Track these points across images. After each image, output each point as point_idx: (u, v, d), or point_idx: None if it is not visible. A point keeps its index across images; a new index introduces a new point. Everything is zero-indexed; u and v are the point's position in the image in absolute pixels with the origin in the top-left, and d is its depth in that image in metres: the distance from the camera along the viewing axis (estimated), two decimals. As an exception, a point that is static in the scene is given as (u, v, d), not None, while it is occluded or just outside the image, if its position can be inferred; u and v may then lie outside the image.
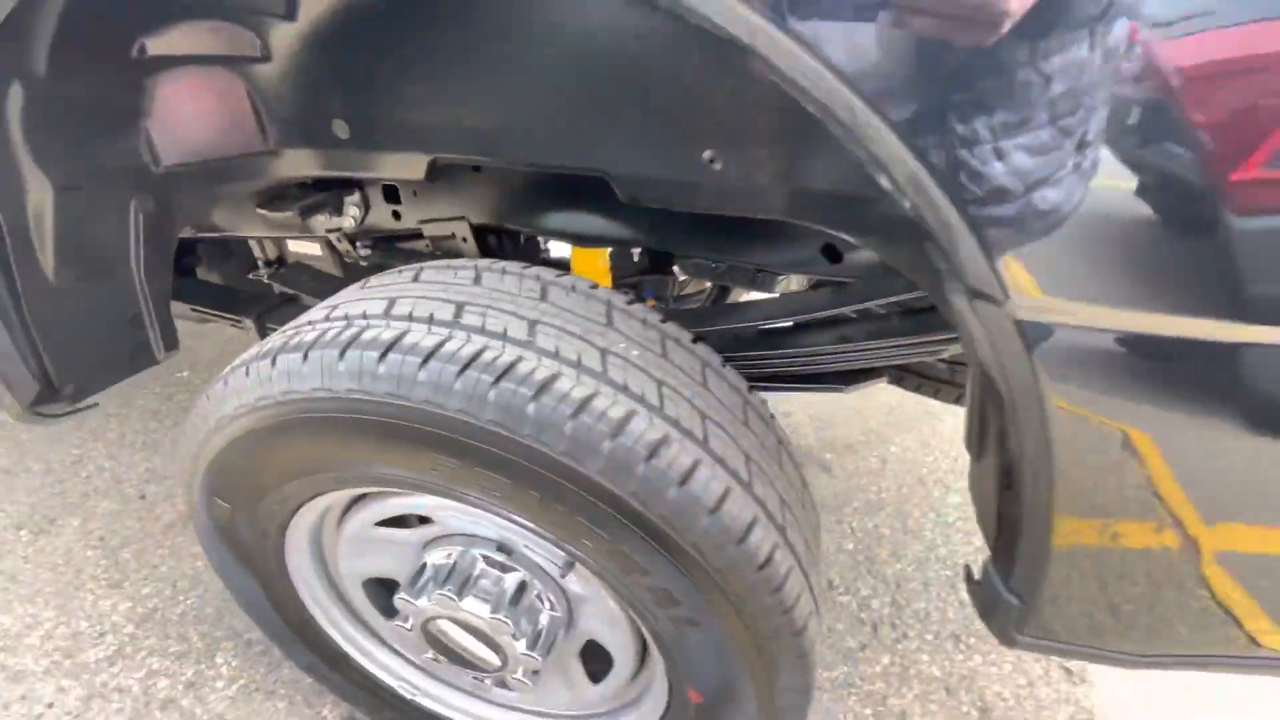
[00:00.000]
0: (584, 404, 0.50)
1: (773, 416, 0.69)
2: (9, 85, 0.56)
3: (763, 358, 0.87)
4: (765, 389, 0.89)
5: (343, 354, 0.52)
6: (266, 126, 0.73)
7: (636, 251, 1.03)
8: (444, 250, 0.99)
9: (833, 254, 0.84)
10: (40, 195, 0.64)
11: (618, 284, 1.05)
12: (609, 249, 1.01)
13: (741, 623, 0.55)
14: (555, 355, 0.52)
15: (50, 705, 1.01)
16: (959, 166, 0.36)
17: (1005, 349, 0.40)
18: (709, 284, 1.28)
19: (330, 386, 0.52)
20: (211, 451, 0.61)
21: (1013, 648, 0.54)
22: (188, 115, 0.69)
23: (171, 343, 0.83)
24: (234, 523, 0.68)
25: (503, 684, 0.84)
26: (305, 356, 0.53)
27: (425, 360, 0.51)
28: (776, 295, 0.93)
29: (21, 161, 0.61)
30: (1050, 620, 0.50)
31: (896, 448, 1.62)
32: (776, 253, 0.88)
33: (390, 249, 1.08)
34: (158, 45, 0.63)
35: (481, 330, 0.53)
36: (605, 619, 0.69)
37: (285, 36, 0.66)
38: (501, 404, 0.50)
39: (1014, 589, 0.50)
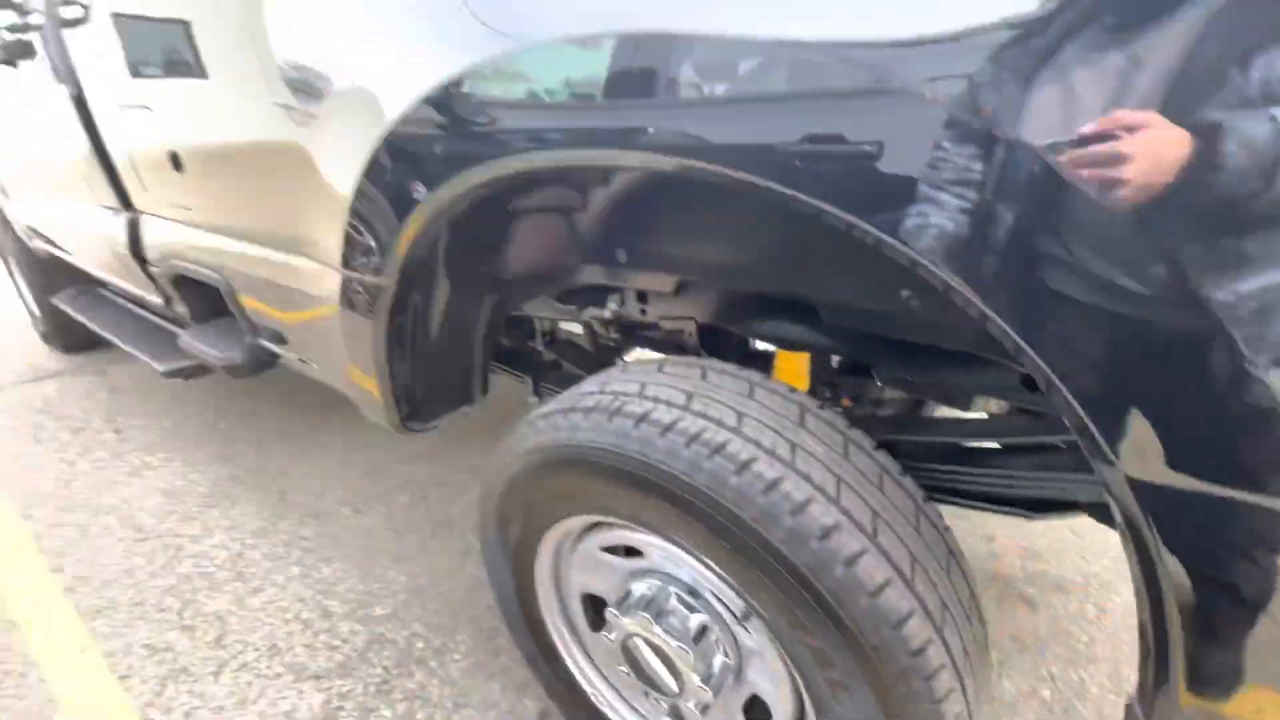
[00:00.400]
0: (773, 484, 0.65)
1: (947, 529, 0.76)
2: (443, 230, 0.93)
3: (952, 472, 0.93)
4: (948, 502, 0.94)
5: (610, 419, 0.75)
6: (576, 252, 1.04)
7: (836, 358, 1.16)
8: (674, 342, 1.22)
9: (1032, 384, 0.88)
10: (442, 289, 1.01)
11: (818, 384, 1.19)
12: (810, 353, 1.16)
13: (889, 700, 0.63)
14: (756, 442, 0.69)
15: (345, 641, 1.39)
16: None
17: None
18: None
19: (598, 441, 0.75)
20: (509, 473, 0.88)
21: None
22: (530, 244, 1.03)
23: (485, 389, 1.17)
24: (509, 527, 0.95)
25: (676, 714, 0.98)
26: (586, 416, 0.77)
27: (663, 432, 0.71)
28: (971, 415, 0.99)
29: (437, 273, 0.98)
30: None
31: (1121, 599, 1.44)
32: (973, 376, 0.94)
33: (633, 335, 1.35)
34: (520, 203, 0.97)
35: (703, 415, 0.72)
36: (770, 676, 0.81)
37: (599, 196, 0.97)
38: (712, 472, 0.67)
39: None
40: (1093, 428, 0.46)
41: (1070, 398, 0.47)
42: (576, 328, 1.47)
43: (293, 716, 1.22)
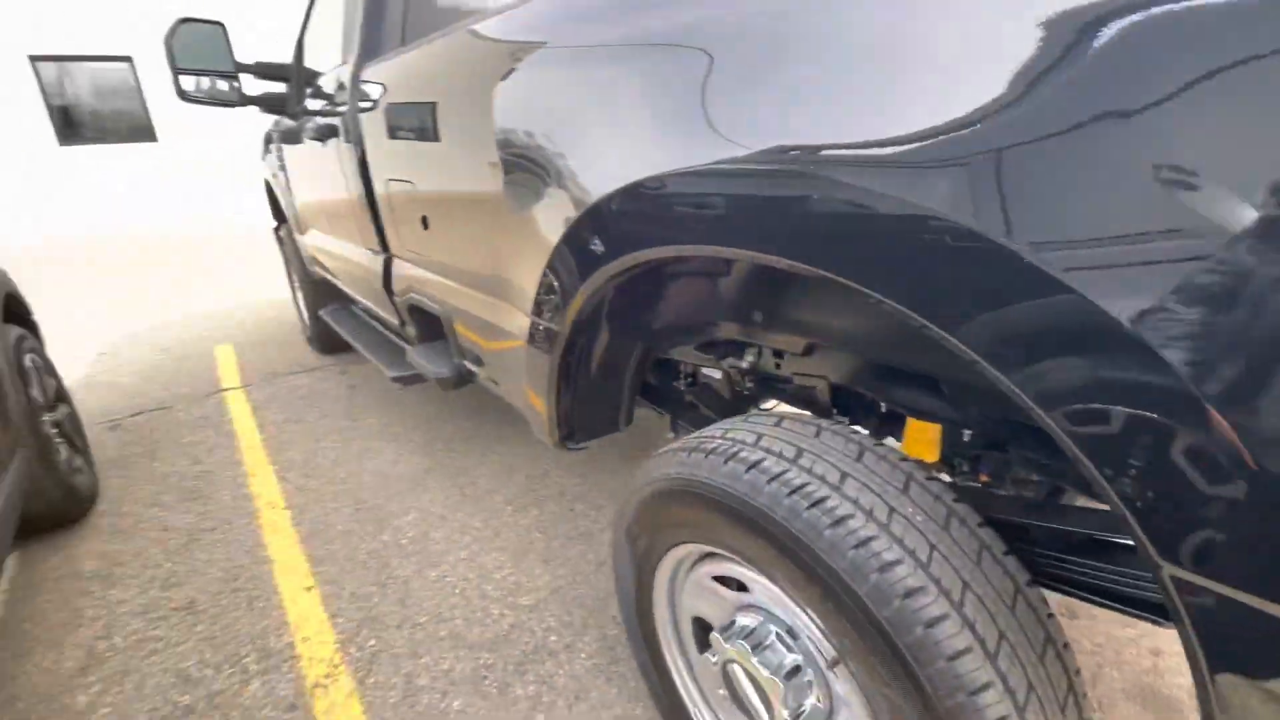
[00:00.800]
0: (865, 541, 0.72)
1: (1051, 615, 0.76)
2: (610, 289, 1.12)
3: (1077, 564, 0.90)
4: (1070, 593, 0.91)
5: (726, 462, 0.87)
6: (717, 310, 1.19)
7: (968, 432, 1.15)
8: (805, 398, 1.30)
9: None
10: (603, 336, 1.21)
11: (955, 456, 1.19)
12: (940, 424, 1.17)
13: (961, 767, 0.66)
14: (854, 501, 0.76)
15: (495, 621, 1.63)
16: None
17: None
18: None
19: (713, 480, 0.88)
20: (640, 496, 1.03)
21: None
22: (677, 302, 1.20)
23: (629, 420, 1.35)
24: (637, 543, 1.10)
25: (765, 748, 1.05)
26: (706, 456, 0.90)
27: (769, 481, 0.82)
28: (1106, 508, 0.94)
29: (600, 323, 1.18)
30: None
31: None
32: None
33: (767, 386, 1.46)
34: (673, 269, 1.14)
35: (809, 471, 0.81)
36: (856, 726, 0.85)
37: (742, 266, 1.10)
38: (810, 523, 0.76)
39: None
40: (1135, 525, 0.49)
41: (1114, 496, 0.50)
42: (717, 374, 1.60)
43: (449, 674, 1.47)
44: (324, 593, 1.76)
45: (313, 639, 1.60)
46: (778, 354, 1.32)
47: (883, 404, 1.31)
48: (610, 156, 0.96)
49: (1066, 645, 0.76)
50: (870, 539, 0.73)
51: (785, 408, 1.28)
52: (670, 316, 1.24)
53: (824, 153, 0.66)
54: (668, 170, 0.84)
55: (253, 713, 1.40)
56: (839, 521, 0.75)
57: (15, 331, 2.07)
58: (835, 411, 1.29)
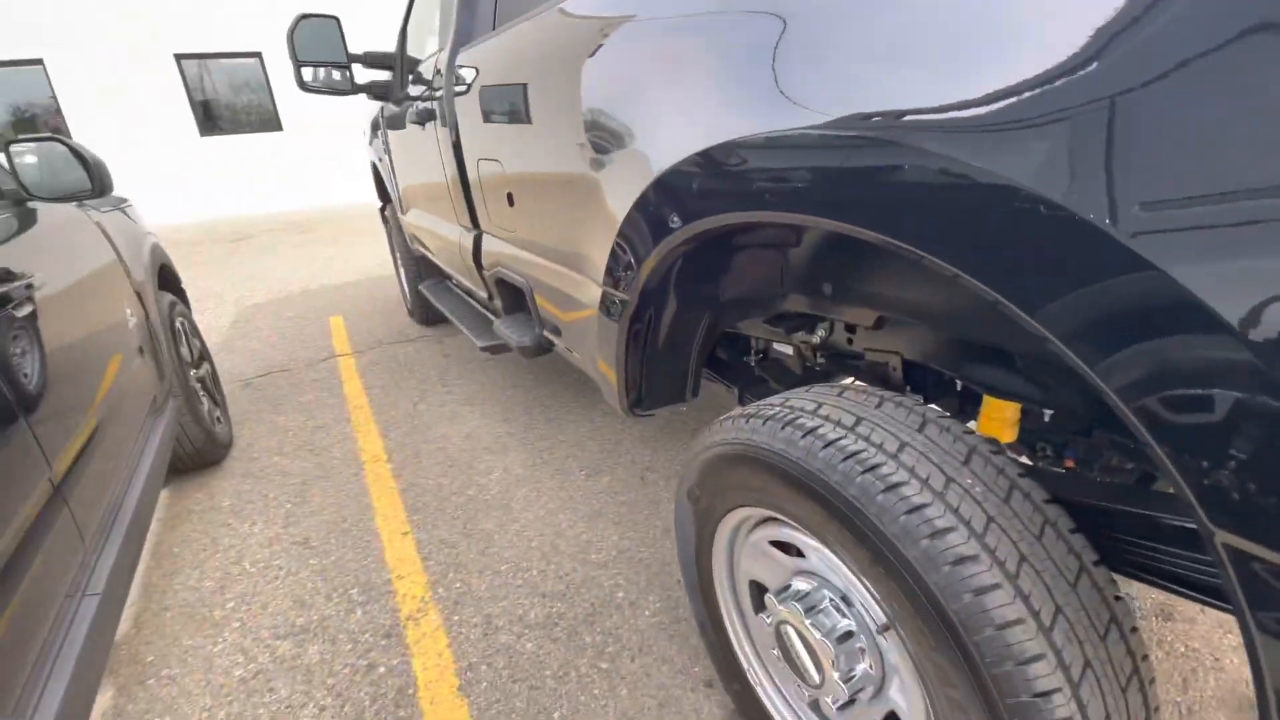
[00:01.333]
0: (917, 508, 0.73)
1: (1119, 597, 0.73)
2: (677, 259, 1.16)
3: (1154, 550, 0.85)
4: (1154, 582, 0.86)
5: (783, 427, 0.89)
6: (785, 282, 1.19)
7: (1048, 412, 1.10)
8: (878, 374, 1.29)
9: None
10: (671, 306, 1.25)
11: (1039, 439, 1.14)
12: (1019, 403, 1.12)
13: (1006, 733, 0.66)
14: (910, 469, 0.77)
15: (567, 575, 1.73)
16: None
17: None
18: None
19: (771, 445, 0.90)
20: (701, 459, 1.08)
21: None
22: (745, 274, 1.21)
23: (695, 392, 1.39)
24: (698, 504, 1.15)
25: (817, 709, 1.08)
26: (764, 422, 0.93)
27: (825, 447, 0.83)
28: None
29: (669, 292, 1.22)
30: None
31: None
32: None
33: (839, 362, 1.44)
34: (741, 239, 1.16)
35: (866, 439, 0.82)
36: (905, 692, 0.86)
37: (810, 236, 1.10)
38: (862, 487, 0.77)
39: None
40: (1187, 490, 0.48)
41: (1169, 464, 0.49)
42: (789, 349, 1.60)
43: (524, 619, 1.59)
44: (418, 538, 1.94)
45: (407, 577, 1.77)
46: (850, 329, 1.30)
47: (958, 382, 1.28)
48: (684, 124, 0.98)
49: (1135, 629, 0.73)
50: (922, 506, 0.73)
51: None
52: (737, 288, 1.26)
53: (902, 119, 0.65)
54: (739, 137, 0.86)
55: (356, 636, 1.59)
56: (892, 488, 0.75)
57: (168, 298, 2.39)
58: (909, 389, 1.27)
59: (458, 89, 1.94)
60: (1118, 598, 0.74)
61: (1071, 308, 0.55)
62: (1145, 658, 0.73)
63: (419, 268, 3.45)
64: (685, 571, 1.26)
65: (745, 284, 1.25)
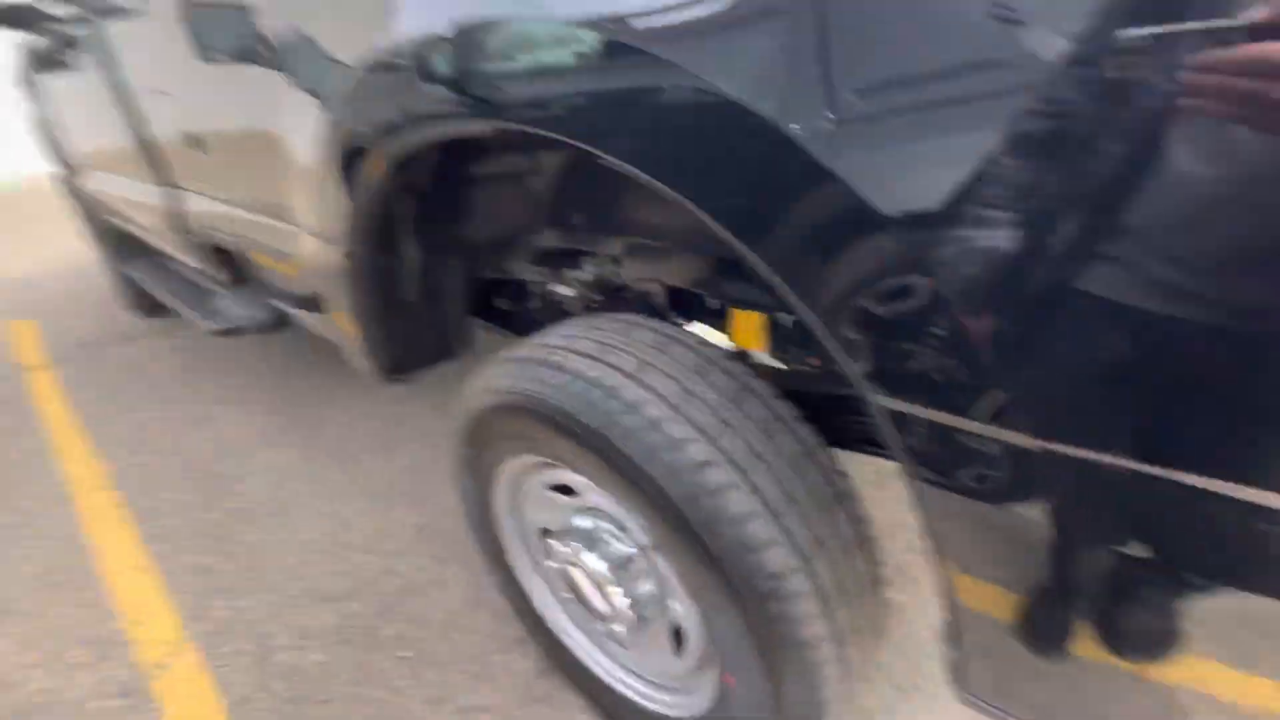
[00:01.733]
0: (656, 423, 0.72)
1: (842, 474, 0.81)
2: (399, 197, 1.02)
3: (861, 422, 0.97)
4: (865, 450, 0.99)
5: (534, 367, 0.84)
6: (533, 217, 1.12)
7: (791, 318, 1.19)
8: (646, 304, 1.28)
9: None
10: (412, 255, 1.11)
11: (788, 344, 1.22)
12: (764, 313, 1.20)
13: (755, 624, 0.70)
14: (650, 389, 0.76)
15: (360, 569, 1.56)
16: None
17: None
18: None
19: (522, 387, 0.84)
20: (469, 410, 0.98)
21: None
22: (491, 209, 1.12)
23: (466, 346, 1.28)
24: (471, 461, 1.06)
25: (615, 639, 1.09)
26: (518, 365, 0.87)
27: (574, 379, 0.79)
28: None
29: (401, 237, 1.08)
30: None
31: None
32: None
33: (615, 297, 1.42)
34: (473, 171, 1.05)
35: (611, 365, 0.80)
36: (681, 601, 0.89)
37: (551, 160, 1.04)
38: (604, 412, 0.75)
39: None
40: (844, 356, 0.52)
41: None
42: (571, 291, 1.55)
43: (306, 630, 1.41)
44: (162, 569, 1.60)
45: (146, 622, 1.46)
46: (616, 261, 1.28)
47: (707, 300, 1.32)
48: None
49: (853, 498, 0.81)
50: (661, 420, 0.73)
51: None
52: (487, 228, 1.16)
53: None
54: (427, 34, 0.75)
55: (81, 706, 1.27)
56: (631, 408, 0.74)
57: None
58: (676, 315, 1.29)
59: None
60: (842, 473, 0.81)
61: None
62: (864, 521, 0.82)
63: (123, 246, 2.78)
64: (474, 532, 1.19)
65: (492, 222, 1.15)
